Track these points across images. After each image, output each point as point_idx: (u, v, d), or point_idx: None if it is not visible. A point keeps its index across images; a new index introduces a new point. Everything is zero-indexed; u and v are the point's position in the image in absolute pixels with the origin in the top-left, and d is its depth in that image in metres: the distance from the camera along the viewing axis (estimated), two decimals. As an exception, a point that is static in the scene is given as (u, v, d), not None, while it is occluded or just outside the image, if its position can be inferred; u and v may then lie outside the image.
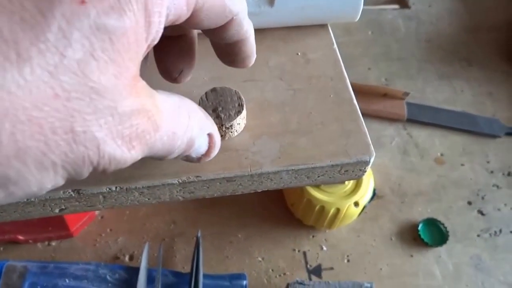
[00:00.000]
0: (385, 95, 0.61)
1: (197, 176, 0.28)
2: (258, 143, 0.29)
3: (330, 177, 0.30)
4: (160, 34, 0.18)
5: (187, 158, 0.23)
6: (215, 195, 0.30)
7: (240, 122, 0.29)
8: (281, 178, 0.29)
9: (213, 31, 0.23)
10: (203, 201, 0.52)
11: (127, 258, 0.49)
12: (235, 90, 0.29)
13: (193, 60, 0.26)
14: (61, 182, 0.16)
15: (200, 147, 0.22)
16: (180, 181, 0.28)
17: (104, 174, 0.18)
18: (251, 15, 0.32)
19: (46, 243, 0.48)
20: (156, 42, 0.19)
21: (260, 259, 0.50)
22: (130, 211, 0.51)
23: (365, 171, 0.31)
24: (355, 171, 0.30)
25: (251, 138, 0.30)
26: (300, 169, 0.29)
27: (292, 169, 0.29)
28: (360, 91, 0.60)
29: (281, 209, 0.53)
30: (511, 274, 0.49)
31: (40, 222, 0.44)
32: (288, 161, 0.29)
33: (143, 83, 0.18)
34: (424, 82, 0.65)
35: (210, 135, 0.23)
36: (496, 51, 0.70)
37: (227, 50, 0.25)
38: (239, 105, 0.28)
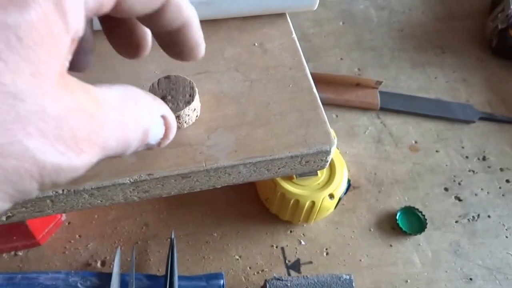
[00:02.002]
0: (358, 85, 0.59)
1: (149, 174, 0.27)
2: (213, 137, 0.28)
3: (291, 169, 0.29)
4: (82, 24, 0.17)
5: (148, 146, 0.21)
6: (172, 193, 0.29)
7: (189, 114, 0.27)
8: (239, 172, 0.28)
9: (151, 18, 0.21)
10: (175, 201, 0.51)
11: (99, 264, 0.47)
12: (190, 81, 0.28)
13: (149, 34, 0.24)
14: (5, 206, 0.15)
15: (157, 132, 0.21)
16: (131, 180, 0.26)
17: (57, 186, 0.16)
18: (202, 4, 0.31)
19: (12, 253, 0.46)
20: (80, 34, 0.17)
21: (237, 257, 0.48)
22: (99, 215, 0.49)
23: (327, 162, 0.29)
24: (316, 161, 0.29)
25: (206, 132, 0.28)
26: (258, 162, 0.28)
27: (250, 162, 0.28)
28: (333, 82, 0.59)
29: (256, 205, 0.51)
30: (490, 258, 0.49)
31: (3, 232, 0.42)
32: (245, 154, 0.27)
33: (73, 79, 0.16)
34: (397, 70, 0.64)
35: (163, 117, 0.21)
36: (469, 38, 0.69)
37: (171, 39, 0.23)
38: (190, 95, 0.27)
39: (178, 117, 0.27)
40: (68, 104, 0.15)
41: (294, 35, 0.33)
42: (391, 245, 0.49)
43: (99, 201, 0.27)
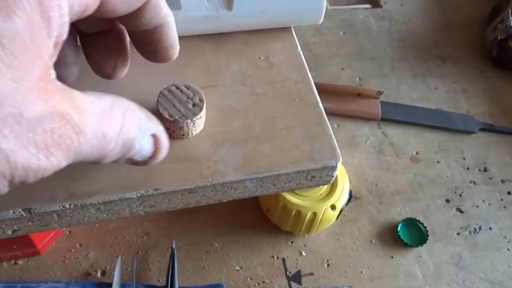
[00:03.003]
0: (359, 95, 0.60)
1: (156, 189, 0.27)
2: (219, 151, 0.28)
3: (297, 184, 0.29)
4: (66, 28, 0.17)
5: (132, 161, 0.21)
6: (178, 207, 0.29)
7: (196, 123, 0.28)
8: (246, 187, 0.28)
9: (130, 17, 0.21)
10: (176, 211, 0.51)
11: (99, 274, 0.47)
12: (199, 91, 0.28)
13: (126, 54, 0.25)
14: None
15: (144, 149, 0.21)
16: (138, 195, 0.27)
17: (24, 185, 0.16)
18: (209, 19, 0.31)
19: (12, 262, 0.46)
20: (64, 37, 0.17)
21: (238, 268, 0.49)
22: (99, 224, 0.49)
23: (333, 177, 0.30)
24: (322, 176, 0.29)
25: (213, 146, 0.28)
26: (265, 177, 0.28)
27: (256, 177, 0.28)
28: (333, 92, 0.59)
29: (257, 215, 0.52)
30: (492, 271, 0.49)
31: (4, 241, 0.42)
32: (251, 169, 0.28)
33: (57, 84, 0.17)
34: (398, 80, 0.65)
35: (155, 136, 0.21)
36: (469, 48, 0.70)
37: (147, 38, 0.23)
38: (199, 103, 0.27)
39: (186, 125, 0.27)
40: (44, 108, 0.15)
41: (299, 49, 0.34)
42: (392, 257, 0.50)
43: (105, 215, 0.27)
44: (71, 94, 0.17)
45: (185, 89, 0.28)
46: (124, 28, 0.25)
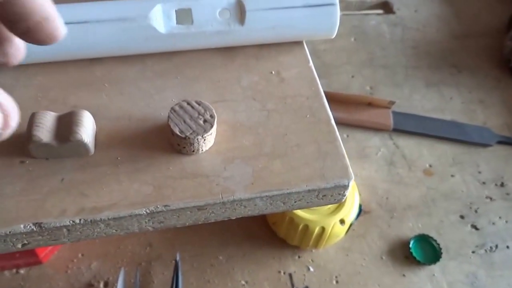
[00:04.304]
0: (370, 104, 0.61)
1: (166, 206, 0.28)
2: (230, 168, 0.29)
3: (307, 202, 0.30)
4: None
5: None
6: (187, 224, 0.30)
7: (207, 139, 0.29)
8: (256, 205, 0.29)
9: None
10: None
11: (101, 285, 0.48)
12: (211, 107, 0.29)
13: (6, 38, 0.22)
14: None
15: None
16: (148, 211, 0.28)
17: None
18: (221, 34, 0.33)
19: (14, 271, 0.47)
20: None
21: (243, 282, 0.50)
22: (103, 236, 0.51)
23: (345, 195, 0.31)
24: (333, 195, 0.30)
25: (223, 163, 0.30)
26: (275, 195, 0.29)
27: (266, 195, 0.29)
28: (343, 101, 0.60)
29: (264, 227, 0.53)
30: (506, 291, 0.50)
31: (7, 251, 0.43)
32: (261, 187, 0.29)
33: None
34: (411, 89, 0.66)
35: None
36: (486, 57, 0.70)
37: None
38: (210, 119, 0.29)
39: (197, 141, 0.28)
40: None
41: (311, 63, 0.35)
42: (404, 275, 0.50)
43: (114, 231, 0.29)
44: None
45: (196, 105, 0.29)
46: None
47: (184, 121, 0.29)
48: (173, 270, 0.48)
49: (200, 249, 0.51)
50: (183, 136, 0.28)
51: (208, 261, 0.51)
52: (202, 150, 0.30)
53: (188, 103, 0.29)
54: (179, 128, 0.28)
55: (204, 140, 0.29)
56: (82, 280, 0.48)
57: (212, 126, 0.29)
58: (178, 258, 0.48)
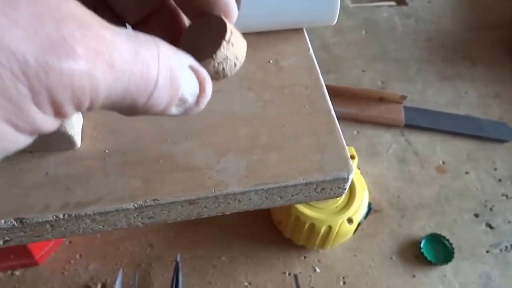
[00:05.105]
0: (381, 99, 0.59)
1: (155, 200, 0.27)
2: (223, 161, 0.28)
3: (305, 196, 0.29)
4: None
5: (184, 105, 0.19)
6: (178, 219, 0.29)
7: (226, 56, 0.23)
8: (250, 199, 0.28)
9: None
10: (181, 221, 0.51)
11: (99, 287, 0.47)
12: (223, 20, 0.24)
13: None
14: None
15: (190, 86, 0.19)
16: (136, 205, 0.27)
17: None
18: (214, 19, 0.31)
19: (9, 272, 0.47)
20: None
21: (246, 283, 0.49)
22: (101, 235, 0.50)
23: (345, 189, 0.29)
24: (333, 189, 0.29)
25: (215, 155, 0.28)
26: (271, 189, 0.28)
27: (262, 189, 0.28)
28: (354, 96, 0.59)
29: (268, 227, 0.52)
30: (524, 293, 0.48)
31: (1, 250, 0.43)
32: (256, 180, 0.28)
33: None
34: (424, 84, 0.64)
35: (193, 69, 0.19)
36: (503, 50, 0.69)
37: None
38: (225, 35, 0.23)
39: (218, 64, 0.23)
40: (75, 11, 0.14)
41: (311, 51, 0.33)
42: (414, 276, 0.49)
43: (101, 227, 0.28)
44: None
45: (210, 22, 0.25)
46: (174, 5, 0.23)
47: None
48: (173, 272, 0.48)
49: (203, 250, 0.50)
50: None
51: (210, 262, 0.50)
52: (228, 75, 0.24)
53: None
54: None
55: (226, 60, 0.23)
56: (79, 282, 0.48)
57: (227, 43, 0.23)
58: (178, 259, 0.47)
